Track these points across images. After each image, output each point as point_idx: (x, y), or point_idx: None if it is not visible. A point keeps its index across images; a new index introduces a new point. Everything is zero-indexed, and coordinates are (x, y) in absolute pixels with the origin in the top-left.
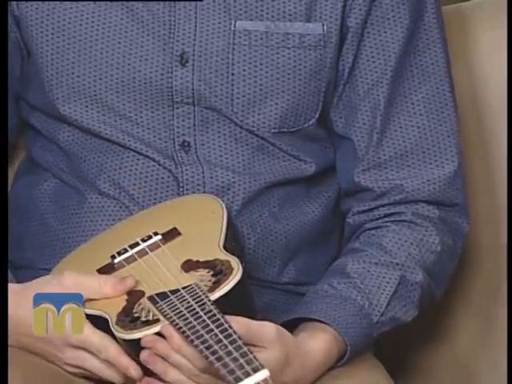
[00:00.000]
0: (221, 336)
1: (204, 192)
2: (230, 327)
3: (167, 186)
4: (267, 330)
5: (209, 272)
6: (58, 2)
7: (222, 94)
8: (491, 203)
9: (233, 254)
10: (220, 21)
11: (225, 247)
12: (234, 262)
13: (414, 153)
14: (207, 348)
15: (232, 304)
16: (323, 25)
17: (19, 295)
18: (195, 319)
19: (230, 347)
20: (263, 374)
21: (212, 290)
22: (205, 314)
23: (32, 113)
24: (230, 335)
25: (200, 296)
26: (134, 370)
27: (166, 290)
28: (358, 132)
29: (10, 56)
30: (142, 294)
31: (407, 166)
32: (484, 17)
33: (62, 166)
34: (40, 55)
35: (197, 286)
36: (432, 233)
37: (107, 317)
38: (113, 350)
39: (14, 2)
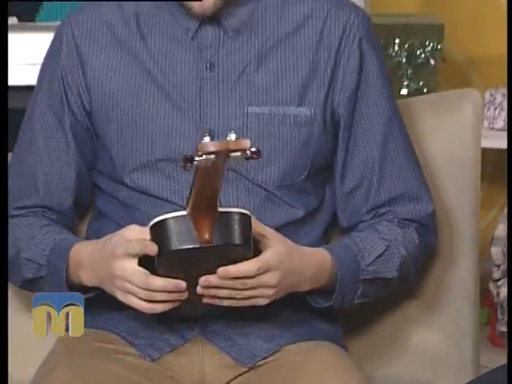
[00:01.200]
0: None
1: None
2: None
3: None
4: (268, 228)
5: None
6: (118, 100)
7: None
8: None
9: None
10: (236, 106)
11: None
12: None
13: (403, 196)
14: None
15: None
16: (310, 109)
17: (92, 244)
18: None
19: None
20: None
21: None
22: None
23: (99, 176)
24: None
25: None
26: (152, 246)
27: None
28: (359, 188)
29: (84, 139)
30: None
31: (399, 205)
32: (425, 109)
33: (120, 215)
34: (107, 137)
35: None
36: (412, 231)
37: None
38: (141, 242)
39: (86, 101)
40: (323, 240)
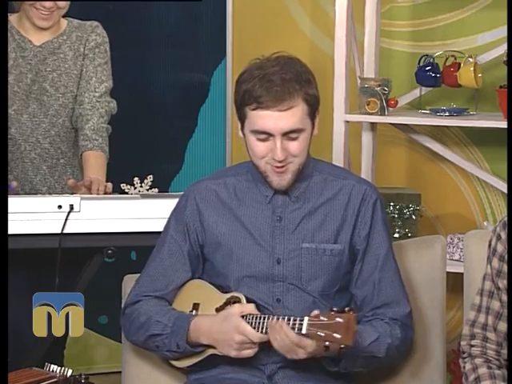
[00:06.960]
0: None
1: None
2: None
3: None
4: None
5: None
6: (222, 240)
7: (296, 276)
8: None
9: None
10: (295, 244)
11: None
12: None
13: (393, 302)
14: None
15: None
16: (341, 245)
17: (210, 319)
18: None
19: None
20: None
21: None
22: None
23: None
24: None
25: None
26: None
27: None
28: (366, 298)
29: (194, 261)
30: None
31: (389, 308)
32: (410, 247)
33: None
34: (213, 261)
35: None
36: (397, 328)
37: None
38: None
39: (201, 239)
40: None
